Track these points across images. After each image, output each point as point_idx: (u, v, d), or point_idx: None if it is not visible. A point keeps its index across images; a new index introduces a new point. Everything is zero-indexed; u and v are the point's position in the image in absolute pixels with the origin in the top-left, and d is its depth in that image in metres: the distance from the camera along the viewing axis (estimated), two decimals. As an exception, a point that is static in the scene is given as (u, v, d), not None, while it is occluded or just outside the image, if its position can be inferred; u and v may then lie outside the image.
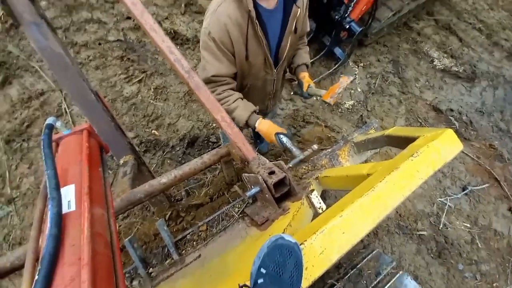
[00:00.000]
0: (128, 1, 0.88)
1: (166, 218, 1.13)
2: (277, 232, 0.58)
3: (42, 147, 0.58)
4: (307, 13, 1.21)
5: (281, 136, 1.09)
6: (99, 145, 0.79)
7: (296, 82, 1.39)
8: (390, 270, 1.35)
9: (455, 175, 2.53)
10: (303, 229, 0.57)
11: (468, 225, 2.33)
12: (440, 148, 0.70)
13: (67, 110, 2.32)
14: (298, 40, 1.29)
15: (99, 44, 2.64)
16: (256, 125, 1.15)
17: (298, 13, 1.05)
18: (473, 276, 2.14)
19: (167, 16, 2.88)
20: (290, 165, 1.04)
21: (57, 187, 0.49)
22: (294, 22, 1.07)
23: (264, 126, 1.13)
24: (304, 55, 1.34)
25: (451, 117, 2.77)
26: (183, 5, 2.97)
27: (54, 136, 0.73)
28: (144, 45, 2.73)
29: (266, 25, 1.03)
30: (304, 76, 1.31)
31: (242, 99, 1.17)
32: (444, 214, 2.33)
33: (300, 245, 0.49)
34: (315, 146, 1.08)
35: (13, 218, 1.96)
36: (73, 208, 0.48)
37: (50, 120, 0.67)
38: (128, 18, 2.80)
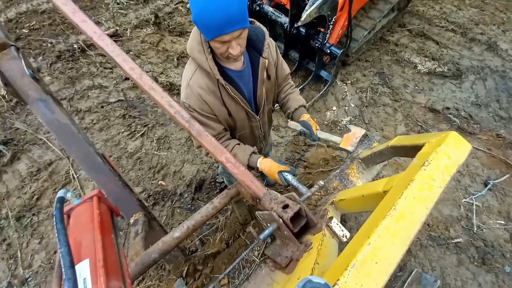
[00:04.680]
0: (126, 67, 0.95)
1: (183, 275, 1.07)
2: (305, 274, 0.54)
3: (54, 223, 0.57)
4: (280, 58, 1.23)
5: (285, 174, 1.08)
6: (109, 209, 0.78)
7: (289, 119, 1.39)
8: (437, 292, 1.22)
9: (472, 172, 2.44)
10: (332, 266, 0.53)
11: (503, 222, 2.18)
12: (449, 152, 0.68)
13: (74, 176, 2.35)
14: (278, 86, 1.31)
15: (102, 107, 2.80)
16: (258, 165, 1.16)
17: (267, 63, 1.09)
18: (522, 276, 1.93)
19: (162, 71, 3.11)
20: (308, 195, 1.02)
21: (72, 265, 0.47)
22: (265, 72, 1.11)
23: (266, 165, 1.14)
24: (297, 97, 1.33)
25: (449, 115, 2.78)
26: (175, 59, 3.23)
27: (65, 208, 0.73)
28: (144, 100, 2.88)
29: (239, 84, 1.09)
30: (309, 118, 1.27)
31: (239, 144, 1.20)
32: (474, 215, 2.19)
33: (334, 286, 0.45)
34: (321, 182, 1.06)
35: (26, 300, 1.86)
36: (89, 286, 0.46)
37: (61, 193, 0.68)
38: (127, 78, 3.01)
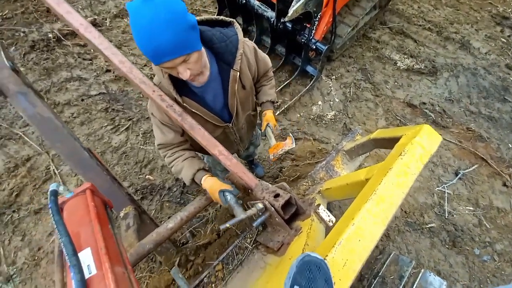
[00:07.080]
0: (116, 60, 0.94)
1: (176, 265, 1.09)
2: (297, 254, 0.59)
3: (51, 215, 0.58)
4: (261, 59, 1.15)
5: (226, 193, 0.98)
6: (103, 202, 0.79)
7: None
8: (411, 271, 1.33)
9: (444, 163, 2.63)
10: (321, 244, 0.59)
11: (471, 208, 2.38)
12: (423, 143, 0.76)
13: (56, 172, 2.27)
14: (258, 78, 1.24)
15: (82, 100, 2.69)
16: (202, 182, 1.08)
17: (238, 76, 1.00)
18: (491, 258, 2.14)
19: (145, 63, 3.02)
20: (227, 225, 0.85)
21: (75, 253, 0.49)
22: (236, 84, 1.01)
23: (208, 183, 1.06)
24: (268, 91, 1.30)
25: (425, 110, 2.96)
26: (158, 51, 3.14)
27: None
28: (127, 94, 2.80)
29: (204, 97, 1.03)
30: (265, 114, 1.29)
31: (193, 157, 1.13)
32: (446, 202, 2.38)
33: (322, 261, 0.50)
34: (260, 205, 0.92)
35: (11, 297, 1.81)
36: (94, 271, 0.48)
37: (53, 186, 0.68)
38: (108, 70, 2.90)
